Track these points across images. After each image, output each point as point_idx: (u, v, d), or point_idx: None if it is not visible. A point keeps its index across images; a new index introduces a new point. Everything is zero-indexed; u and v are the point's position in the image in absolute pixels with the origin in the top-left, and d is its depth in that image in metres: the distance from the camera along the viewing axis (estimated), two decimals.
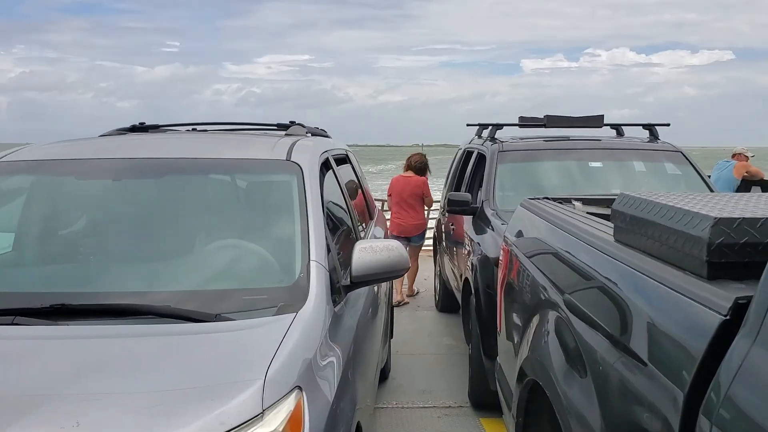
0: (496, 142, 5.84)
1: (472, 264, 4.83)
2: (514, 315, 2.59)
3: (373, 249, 2.73)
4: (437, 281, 7.64)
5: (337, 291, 2.59)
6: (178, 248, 2.61)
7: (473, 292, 4.66)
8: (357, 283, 2.72)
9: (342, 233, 3.40)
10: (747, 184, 9.76)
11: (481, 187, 6.19)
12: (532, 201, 2.91)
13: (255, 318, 2.18)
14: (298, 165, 3.00)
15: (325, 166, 3.55)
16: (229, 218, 2.79)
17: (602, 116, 6.03)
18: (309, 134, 4.04)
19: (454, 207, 5.36)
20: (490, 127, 6.17)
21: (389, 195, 7.92)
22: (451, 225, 6.16)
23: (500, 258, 3.17)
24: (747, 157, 10.17)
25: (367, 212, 4.78)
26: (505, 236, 3.16)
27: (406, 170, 7.88)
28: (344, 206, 3.67)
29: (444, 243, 6.86)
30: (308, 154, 3.17)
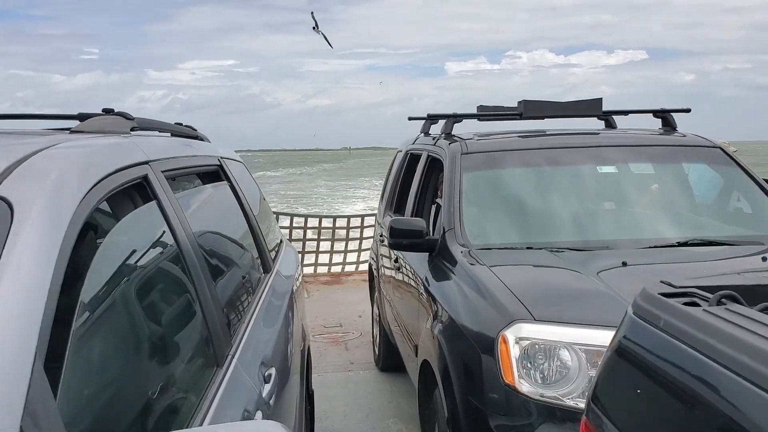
0: (456, 140, 4.00)
1: (434, 336, 2.98)
2: None
3: None
4: (376, 328, 5.75)
5: None
6: None
7: (440, 385, 2.81)
8: None
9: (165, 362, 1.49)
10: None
11: (435, 205, 4.36)
12: (688, 310, 1.03)
13: None
14: (8, 205, 1.08)
15: (140, 193, 1.67)
16: None
17: (600, 100, 4.30)
18: (135, 130, 2.10)
19: (400, 240, 3.49)
20: (446, 121, 4.33)
21: None
22: (396, 263, 4.28)
23: None
24: None
25: (259, 262, 2.86)
26: (587, 414, 1.25)
27: None
28: (183, 279, 1.74)
29: (384, 285, 4.98)
30: (54, 176, 1.23)
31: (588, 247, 3.14)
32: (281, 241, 3.88)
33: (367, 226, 9.82)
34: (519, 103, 4.36)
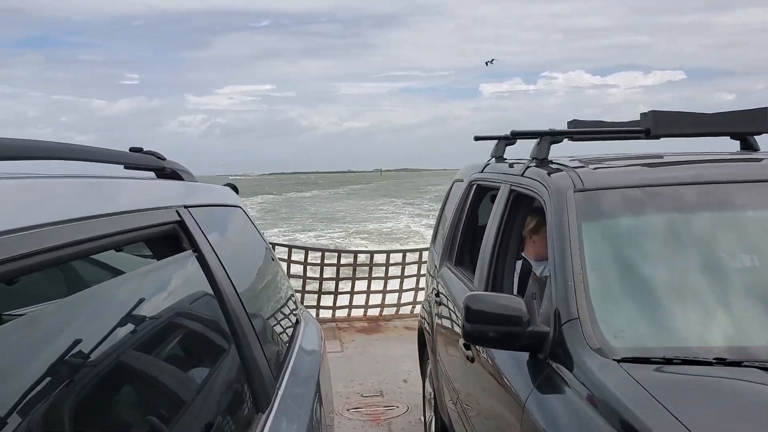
0: (560, 169, 2.67)
1: None
2: None
3: None
4: (429, 411, 4.41)
5: None
6: None
7: None
8: None
9: None
10: None
11: (521, 261, 3.04)
12: None
13: None
14: None
15: None
16: None
17: (766, 111, 2.95)
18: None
19: (484, 329, 2.15)
20: (539, 140, 3.00)
21: None
22: (468, 350, 2.92)
23: None
24: None
25: (248, 396, 1.57)
26: None
27: None
28: None
29: (444, 364, 3.64)
30: None
31: None
32: (298, 320, 2.60)
33: (409, 263, 8.49)
34: (643, 115, 3.03)
